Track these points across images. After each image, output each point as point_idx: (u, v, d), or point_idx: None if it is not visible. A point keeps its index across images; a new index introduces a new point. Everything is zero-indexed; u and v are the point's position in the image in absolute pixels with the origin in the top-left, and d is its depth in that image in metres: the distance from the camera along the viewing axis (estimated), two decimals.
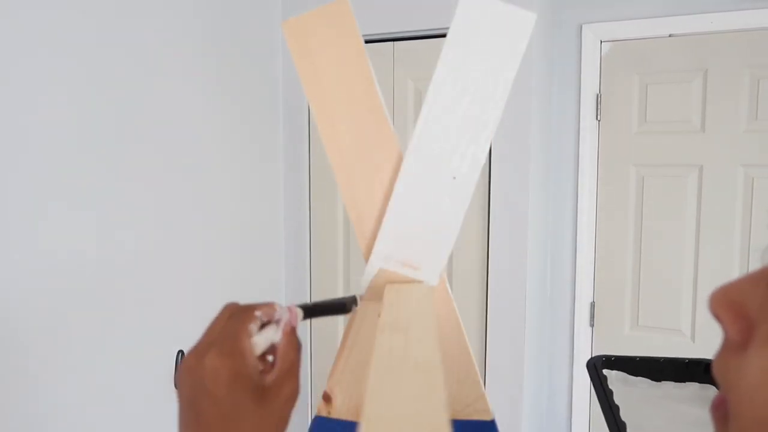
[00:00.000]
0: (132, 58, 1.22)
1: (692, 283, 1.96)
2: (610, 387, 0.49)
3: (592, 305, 2.15)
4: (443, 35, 0.54)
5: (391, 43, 1.77)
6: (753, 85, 1.85)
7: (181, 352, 1.36)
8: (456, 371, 0.55)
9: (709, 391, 0.46)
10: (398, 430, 0.27)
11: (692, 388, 0.48)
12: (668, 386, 0.48)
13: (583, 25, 2.08)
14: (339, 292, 1.92)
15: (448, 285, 0.57)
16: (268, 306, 0.43)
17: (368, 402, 0.30)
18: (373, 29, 1.73)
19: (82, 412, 1.12)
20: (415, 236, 0.55)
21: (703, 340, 1.97)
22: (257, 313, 0.42)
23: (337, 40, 0.54)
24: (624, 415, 0.46)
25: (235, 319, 0.41)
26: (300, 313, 0.45)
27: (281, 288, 1.94)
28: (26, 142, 0.98)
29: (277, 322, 0.43)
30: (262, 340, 0.41)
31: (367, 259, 0.56)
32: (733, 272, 1.90)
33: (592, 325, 2.16)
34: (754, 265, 1.88)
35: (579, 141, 2.13)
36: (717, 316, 0.24)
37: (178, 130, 1.39)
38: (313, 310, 0.48)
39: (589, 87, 2.10)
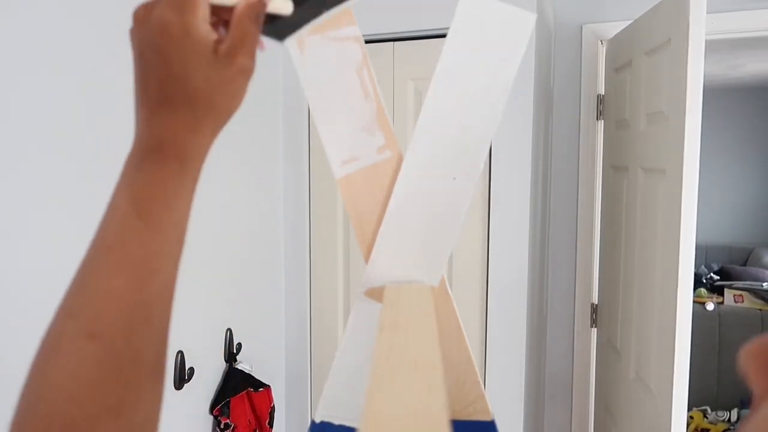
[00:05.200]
0: (129, 58, 1.23)
1: None
2: None
3: (593, 306, 2.15)
4: (443, 35, 0.54)
5: (391, 43, 1.77)
6: None
7: (180, 353, 1.36)
8: (456, 371, 0.55)
9: None
10: (398, 429, 0.27)
11: None
12: None
13: (583, 25, 2.08)
14: (339, 293, 1.92)
15: (448, 285, 0.57)
16: None
17: (368, 402, 0.30)
18: (373, 29, 1.73)
19: None
20: (416, 236, 0.55)
21: None
22: None
23: (337, 40, 0.54)
24: None
25: None
26: None
27: (281, 288, 1.94)
28: (22, 143, 0.98)
29: None
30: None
31: (367, 259, 0.56)
32: None
33: (593, 326, 2.16)
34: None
35: (579, 141, 2.13)
36: (745, 372, 0.22)
37: None
38: None
39: (589, 87, 2.10)
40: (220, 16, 0.40)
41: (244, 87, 0.40)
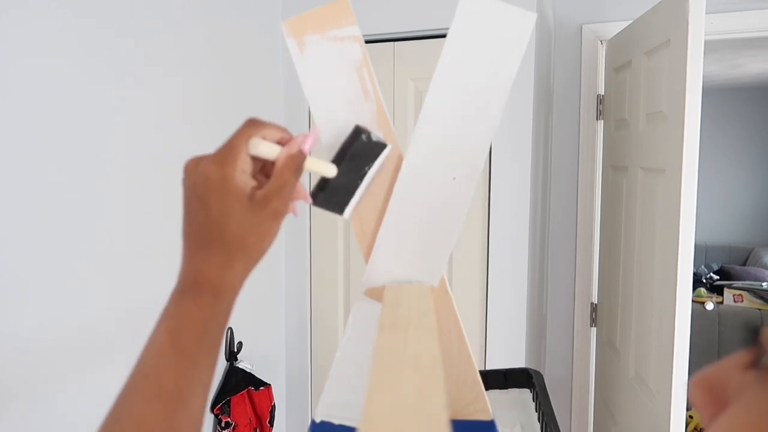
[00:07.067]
0: (130, 58, 1.23)
1: None
2: None
3: (593, 305, 2.15)
4: (443, 35, 0.54)
5: (391, 43, 1.77)
6: None
7: None
8: (456, 371, 0.55)
9: (525, 394, 0.53)
10: (398, 429, 0.27)
11: (513, 393, 0.54)
12: (494, 393, 0.55)
13: (583, 25, 2.08)
14: (339, 293, 1.92)
15: (448, 285, 0.57)
16: (280, 128, 0.45)
17: (368, 402, 0.30)
18: (373, 29, 1.73)
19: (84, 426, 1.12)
20: (416, 236, 0.55)
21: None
22: (264, 131, 0.43)
23: (337, 40, 0.54)
24: None
25: (240, 131, 0.43)
26: (311, 150, 0.46)
27: (281, 288, 1.94)
28: (22, 145, 0.98)
29: (286, 143, 0.45)
30: (261, 152, 0.43)
31: (367, 259, 0.56)
32: None
33: (593, 326, 2.16)
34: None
35: (579, 141, 2.13)
36: (693, 403, 0.24)
37: (178, 131, 1.39)
38: (342, 155, 0.50)
39: (589, 87, 2.10)
40: (265, 167, 0.45)
41: (274, 229, 0.45)
